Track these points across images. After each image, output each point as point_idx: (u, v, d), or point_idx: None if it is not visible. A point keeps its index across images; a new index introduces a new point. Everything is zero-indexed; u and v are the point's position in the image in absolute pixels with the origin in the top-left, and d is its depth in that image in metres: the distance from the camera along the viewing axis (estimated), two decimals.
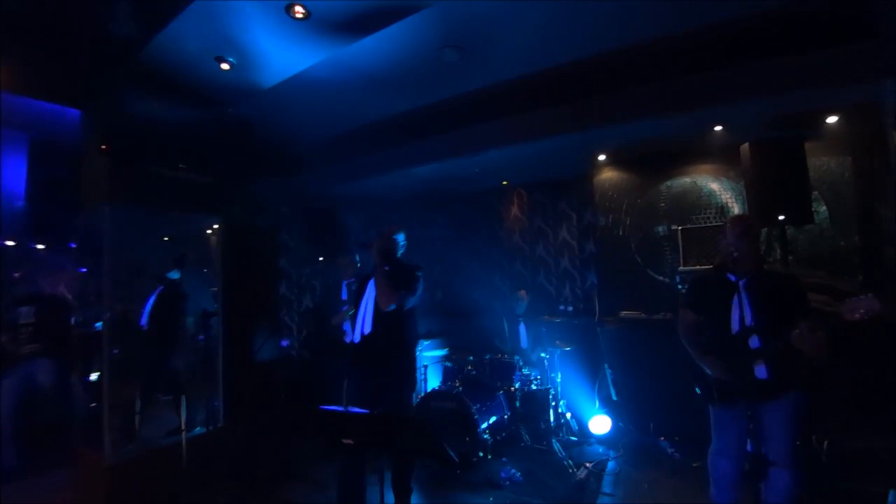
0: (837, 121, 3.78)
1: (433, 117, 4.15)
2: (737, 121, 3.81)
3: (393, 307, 2.63)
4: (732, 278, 2.36)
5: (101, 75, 3.22)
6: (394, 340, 2.72)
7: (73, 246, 4.01)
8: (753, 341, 2.26)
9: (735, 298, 2.32)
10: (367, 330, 2.71)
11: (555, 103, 3.73)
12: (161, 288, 3.93)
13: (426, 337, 4.65)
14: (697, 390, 2.50)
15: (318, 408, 1.94)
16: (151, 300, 3.89)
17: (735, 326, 2.31)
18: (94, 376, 3.37)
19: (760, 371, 2.24)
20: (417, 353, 2.90)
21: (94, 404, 3.28)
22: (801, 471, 2.26)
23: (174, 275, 3.98)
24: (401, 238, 2.96)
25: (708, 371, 2.36)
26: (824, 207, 3.94)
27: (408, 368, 2.85)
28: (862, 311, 1.92)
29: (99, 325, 3.41)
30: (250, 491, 3.46)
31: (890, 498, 2.34)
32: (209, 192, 3.94)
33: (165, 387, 3.83)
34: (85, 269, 3.88)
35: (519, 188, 5.91)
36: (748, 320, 2.28)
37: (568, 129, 3.86)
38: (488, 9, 2.76)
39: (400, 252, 2.95)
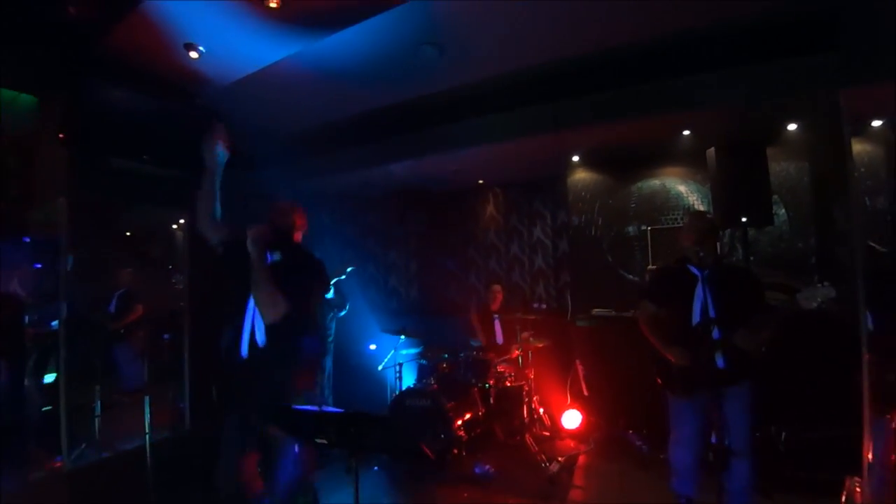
0: (797, 128, 3.97)
1: (410, 114, 4.12)
2: (703, 126, 3.94)
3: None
4: (695, 270, 2.43)
5: (60, 60, 3.04)
6: (290, 353, 2.06)
7: (27, 240, 3.79)
8: (715, 331, 2.33)
9: (698, 289, 2.39)
10: (261, 340, 2.00)
11: (530, 104, 3.77)
12: None
13: (401, 335, 4.60)
14: (659, 381, 2.56)
15: (289, 408, 1.89)
16: None
17: (696, 317, 2.38)
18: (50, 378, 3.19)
19: (720, 360, 2.32)
20: (326, 368, 2.25)
21: (48, 407, 3.11)
22: (758, 457, 2.36)
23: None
24: (298, 219, 2.19)
25: (672, 360, 2.41)
26: (783, 210, 4.13)
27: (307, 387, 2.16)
28: (819, 299, 2.01)
29: (55, 324, 3.24)
30: (217, 495, 3.35)
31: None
32: (175, 185, 3.78)
33: None
34: (39, 266, 3.68)
35: (494, 187, 5.94)
36: (710, 311, 2.35)
37: (543, 130, 3.91)
38: (469, 6, 2.76)
39: (297, 236, 2.21)
